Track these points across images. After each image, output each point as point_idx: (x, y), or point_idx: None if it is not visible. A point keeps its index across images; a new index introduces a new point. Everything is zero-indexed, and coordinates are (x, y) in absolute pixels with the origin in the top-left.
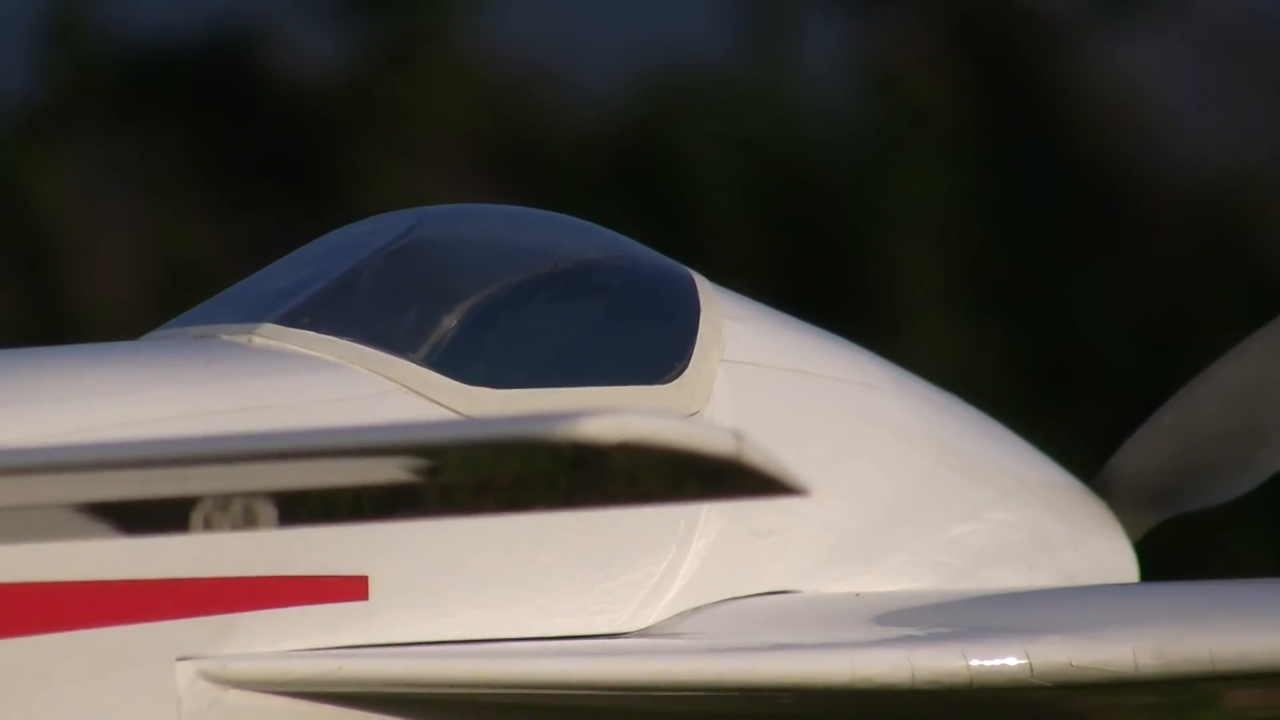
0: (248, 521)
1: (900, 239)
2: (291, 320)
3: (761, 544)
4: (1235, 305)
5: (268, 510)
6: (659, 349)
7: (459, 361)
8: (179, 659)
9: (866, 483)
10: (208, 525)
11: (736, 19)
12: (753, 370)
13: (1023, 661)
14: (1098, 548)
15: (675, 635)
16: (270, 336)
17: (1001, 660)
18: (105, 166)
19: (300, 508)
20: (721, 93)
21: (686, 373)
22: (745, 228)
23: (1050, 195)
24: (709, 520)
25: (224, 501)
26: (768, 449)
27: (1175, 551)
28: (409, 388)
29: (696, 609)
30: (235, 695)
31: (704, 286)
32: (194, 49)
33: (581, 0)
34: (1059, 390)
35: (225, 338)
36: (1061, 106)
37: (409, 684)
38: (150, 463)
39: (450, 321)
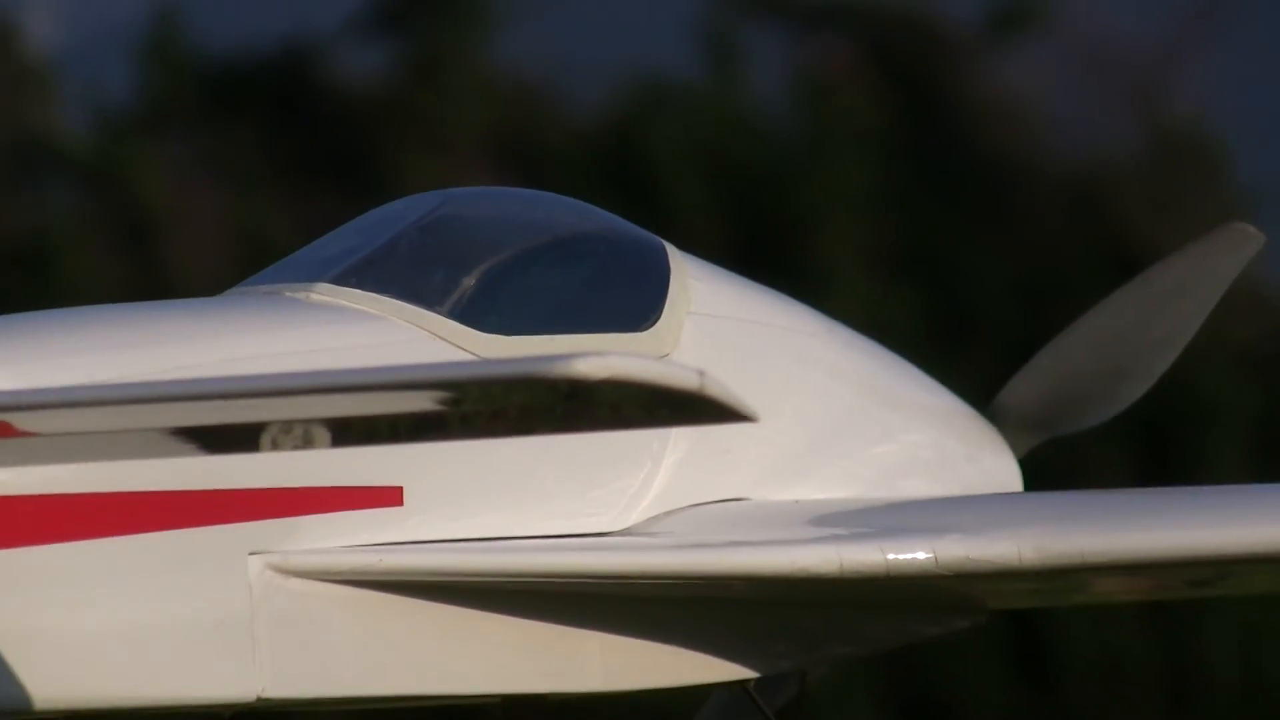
0: (306, 443)
1: (829, 217)
2: (342, 280)
3: (719, 461)
4: (1098, 269)
5: (322, 433)
6: (637, 303)
7: (476, 314)
8: (250, 553)
9: (804, 411)
10: (274, 445)
11: (698, 43)
12: (713, 320)
13: (929, 556)
14: (989, 464)
15: (650, 534)
16: (324, 294)
17: (912, 555)
18: (195, 159)
19: (347, 431)
20: (686, 101)
21: (659, 322)
22: (705, 207)
23: (949, 182)
24: (677, 442)
25: (287, 426)
26: (725, 384)
27: (1050, 467)
28: (436, 335)
29: (667, 513)
30: (295, 583)
31: (673, 253)
32: (266, 63)
33: (575, 26)
34: (957, 336)
35: (288, 294)
36: (959, 110)
37: (436, 573)
38: (227, 395)
39: (469, 281)
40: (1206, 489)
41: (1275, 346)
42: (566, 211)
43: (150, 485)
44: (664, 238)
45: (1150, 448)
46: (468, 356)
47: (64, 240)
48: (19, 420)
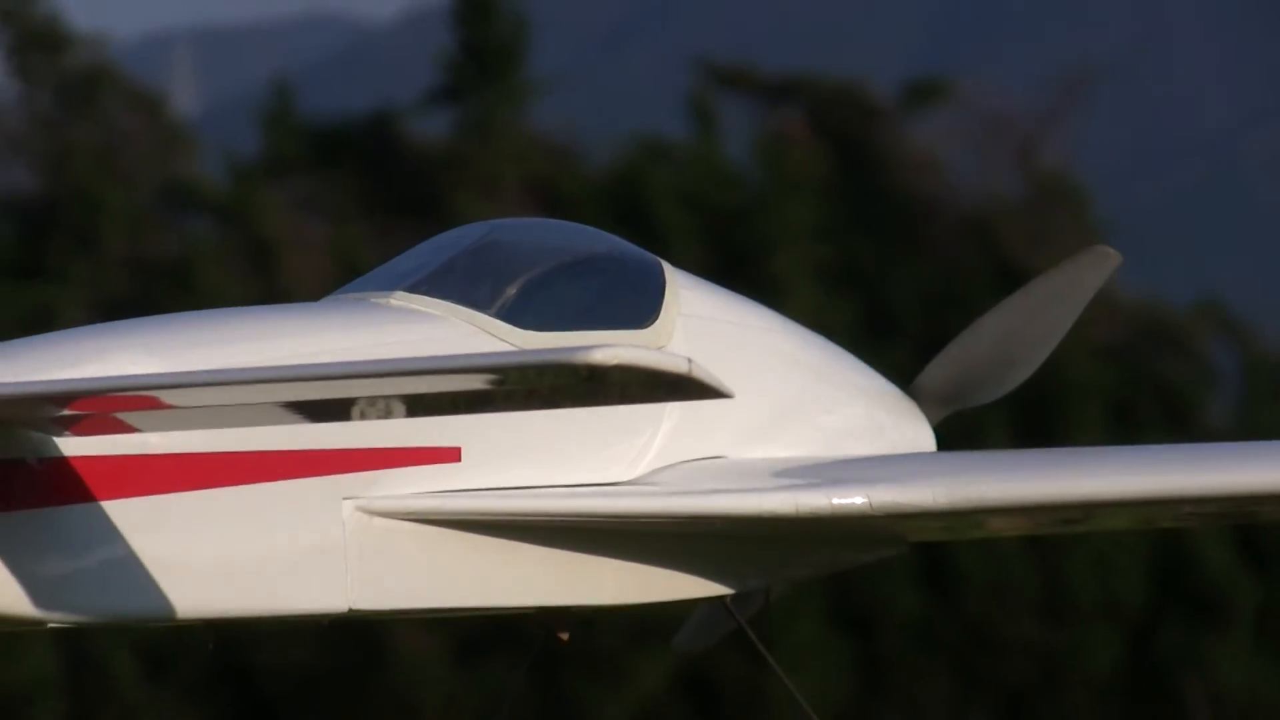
0: (386, 414)
1: (784, 243)
2: (413, 289)
3: (704, 428)
4: (989, 283)
5: (398, 406)
6: (640, 306)
7: (516, 314)
8: (344, 499)
9: (767, 390)
10: (362, 415)
11: (686, 112)
12: (698, 320)
13: (864, 500)
14: (910, 431)
15: (650, 484)
16: (400, 300)
17: (851, 500)
18: (304, 200)
19: (418, 404)
20: (676, 155)
21: (657, 322)
22: (691, 234)
23: (876, 217)
24: (671, 413)
25: (372, 401)
26: (707, 369)
27: (954, 434)
28: (485, 331)
29: (665, 467)
30: (379, 521)
31: (668, 268)
32: (358, 127)
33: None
34: (882, 333)
35: (373, 300)
36: (883, 162)
37: (485, 514)
38: (328, 377)
39: (511, 290)
40: (1073, 449)
41: (1125, 340)
42: (585, 236)
43: (266, 446)
44: (661, 257)
45: (1029, 418)
46: (509, 347)
47: (202, 262)
48: (165, 396)
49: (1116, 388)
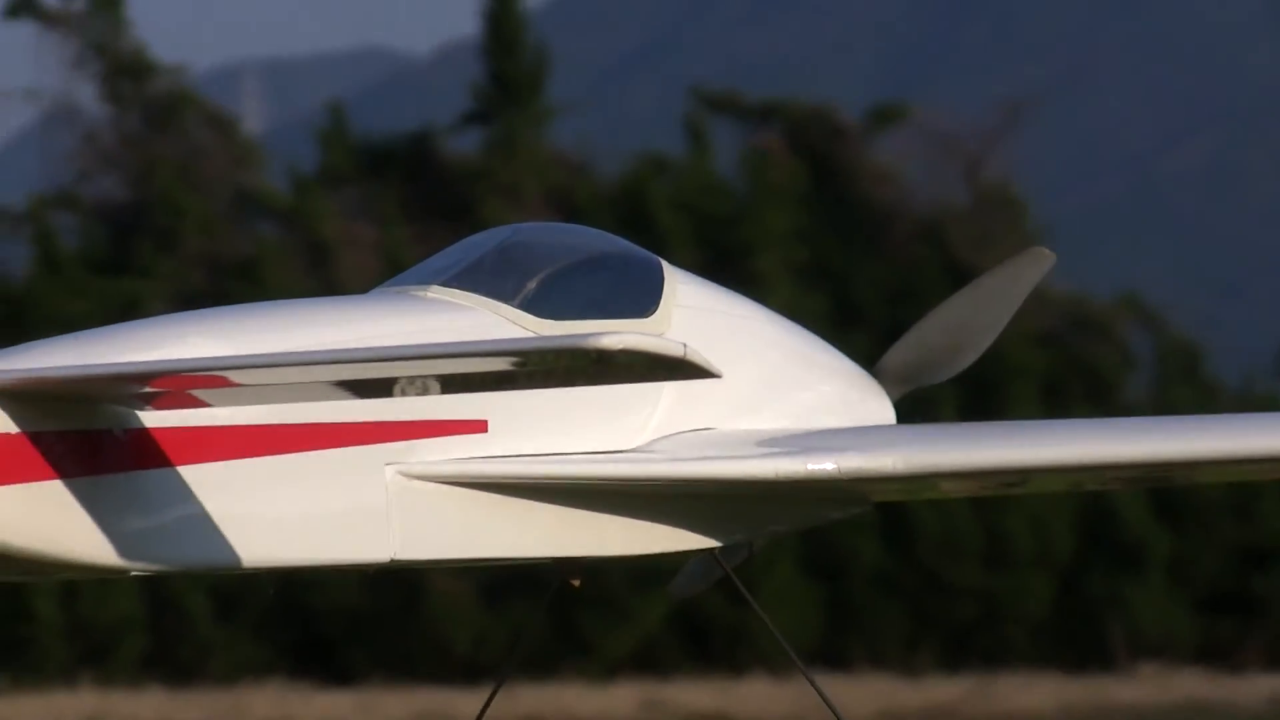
0: (424, 390)
1: (765, 244)
2: (447, 283)
3: (697, 403)
4: (941, 279)
5: (434, 385)
6: (642, 298)
7: (535, 305)
8: (386, 464)
9: (751, 371)
10: (402, 393)
11: (682, 132)
12: (693, 310)
13: (834, 466)
14: (874, 406)
15: (652, 451)
16: (436, 293)
17: (822, 466)
18: (356, 208)
19: (452, 383)
20: (673, 169)
21: (657, 312)
22: (686, 236)
23: (844, 222)
24: (670, 391)
25: (411, 380)
26: (700, 352)
27: (910, 409)
28: (510, 320)
29: (663, 437)
30: (417, 484)
31: (666, 266)
32: (402, 144)
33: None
34: (850, 321)
35: (412, 293)
36: (850, 175)
37: (508, 477)
38: (372, 359)
39: (531, 284)
40: (1012, 423)
41: (1056, 328)
42: (595, 238)
43: (319, 419)
44: (660, 256)
45: (974, 395)
46: (530, 334)
47: (268, 260)
48: (233, 376)
49: (1048, 369)
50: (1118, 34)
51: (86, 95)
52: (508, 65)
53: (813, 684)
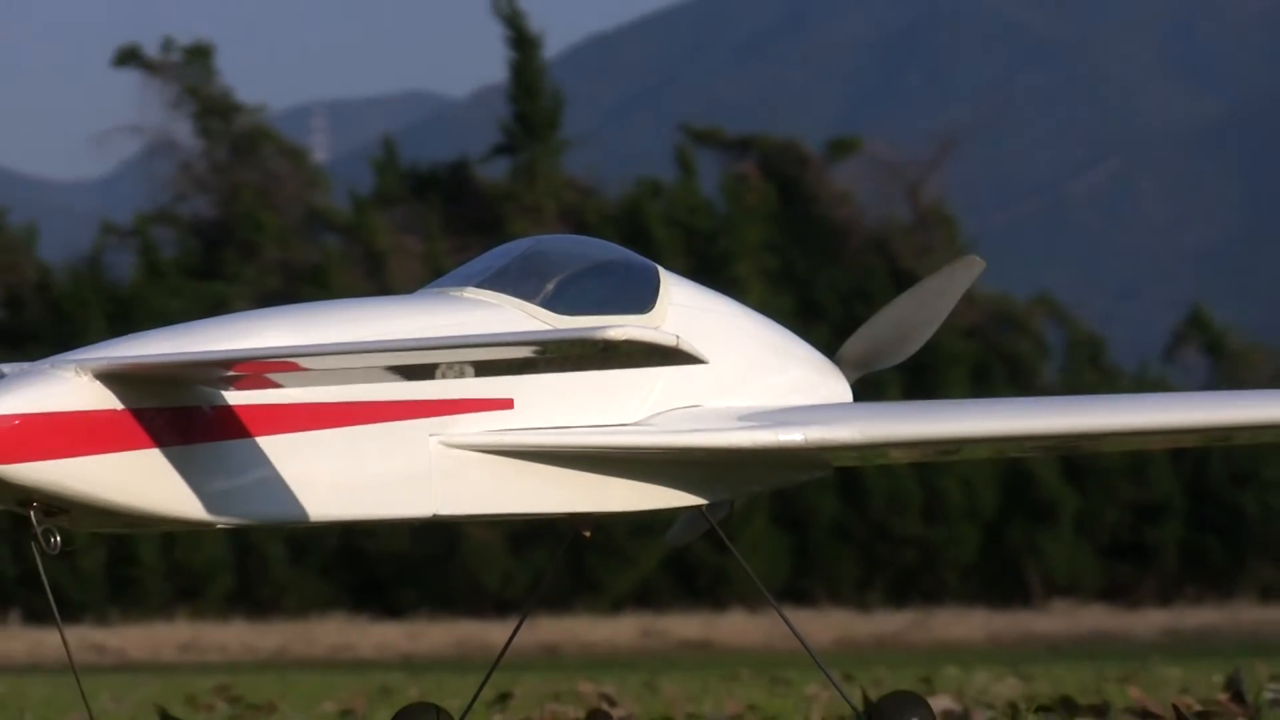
0: (460, 374)
1: (742, 254)
2: (480, 285)
3: (686, 384)
4: (888, 283)
5: (469, 369)
6: (641, 297)
7: (553, 303)
8: (430, 435)
9: (731, 357)
10: (443, 376)
11: (674, 160)
12: (683, 308)
13: (803, 437)
14: (835, 388)
15: (650, 424)
16: (470, 293)
17: (792, 436)
18: (404, 224)
19: (485, 367)
20: (666, 192)
21: (654, 309)
22: (676, 247)
23: (808, 235)
24: (665, 375)
25: (450, 365)
26: (690, 343)
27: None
28: (532, 316)
29: (659, 413)
30: (454, 451)
31: (662, 270)
32: (442, 171)
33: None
34: (814, 316)
35: (450, 293)
36: (813, 196)
37: (531, 446)
38: (417, 348)
39: (550, 286)
40: (946, 401)
41: (982, 323)
42: (602, 248)
43: (374, 398)
44: (656, 262)
45: (915, 379)
46: (548, 326)
47: (332, 267)
48: (302, 362)
49: (976, 357)
50: (1032, 81)
51: (182, 131)
52: (530, 107)
53: (782, 616)
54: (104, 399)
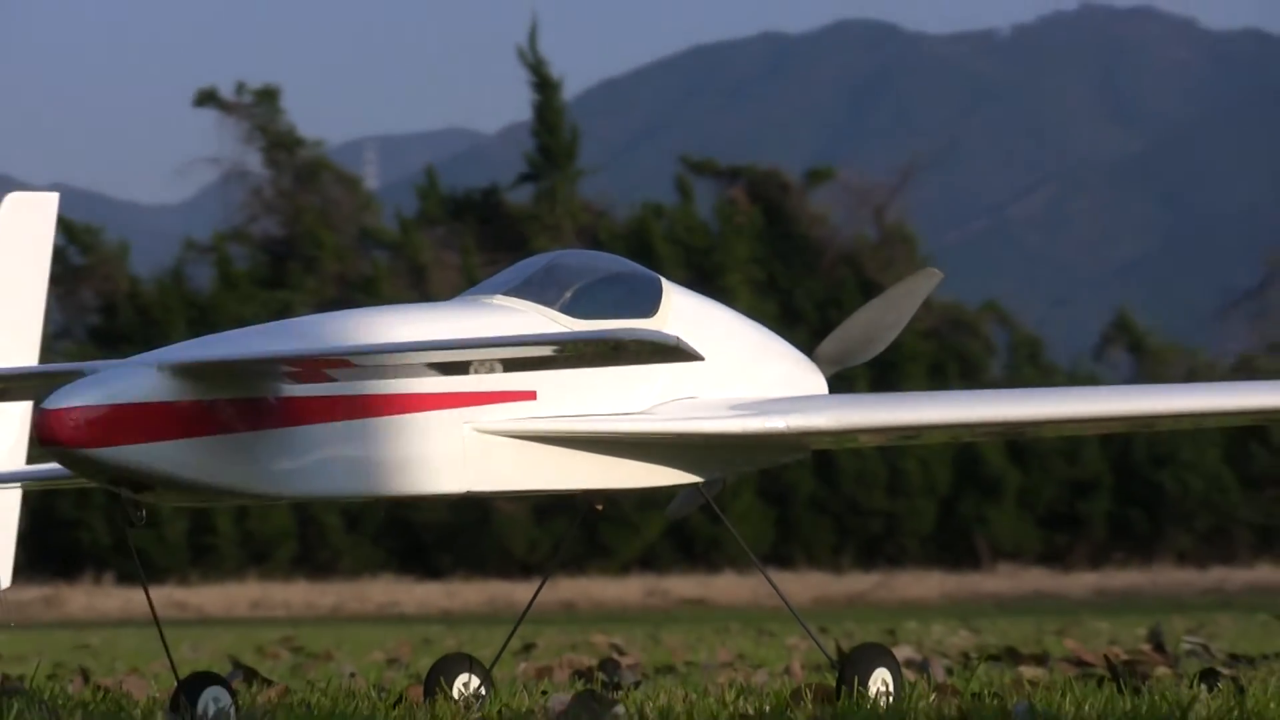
0: (491, 370)
1: (733, 267)
2: (508, 293)
3: (686, 378)
4: (858, 293)
5: (498, 366)
6: (646, 304)
7: (571, 309)
8: (464, 422)
9: (724, 355)
10: (476, 371)
11: (675, 187)
12: (683, 313)
13: (785, 425)
14: (813, 382)
15: (654, 413)
16: (499, 301)
17: (775, 424)
18: (443, 241)
19: (511, 364)
20: (668, 213)
21: (658, 313)
22: (677, 261)
23: (789, 252)
24: (668, 370)
25: (482, 362)
26: (688, 342)
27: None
28: (552, 320)
29: (661, 403)
30: (486, 436)
31: (665, 280)
32: (476, 196)
33: (615, 179)
34: (794, 320)
35: (483, 300)
36: (794, 217)
37: (551, 432)
38: (454, 347)
39: (568, 293)
40: (908, 393)
41: (938, 326)
42: (613, 261)
43: (417, 390)
44: (659, 274)
45: (881, 373)
46: (566, 328)
47: (382, 279)
48: (354, 359)
49: (933, 355)
50: (981, 119)
51: (253, 161)
52: (550, 141)
53: (767, 578)
54: (182, 391)
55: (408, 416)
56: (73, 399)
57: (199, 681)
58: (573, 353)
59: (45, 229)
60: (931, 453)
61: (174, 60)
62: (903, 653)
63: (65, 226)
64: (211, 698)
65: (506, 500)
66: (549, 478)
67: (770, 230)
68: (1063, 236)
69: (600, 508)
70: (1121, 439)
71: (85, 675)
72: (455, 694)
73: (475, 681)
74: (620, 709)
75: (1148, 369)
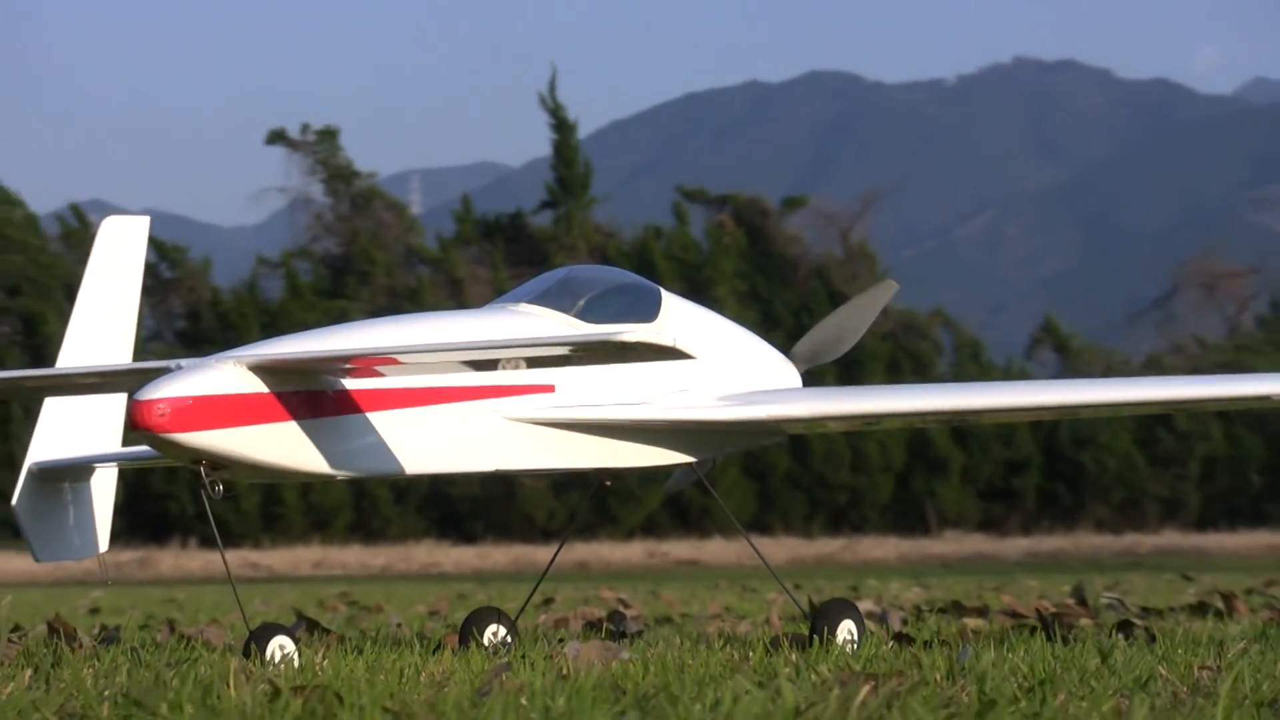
0: (516, 366)
1: (721, 280)
2: (531, 302)
3: (683, 374)
4: (827, 302)
5: (523, 363)
6: (648, 310)
7: (584, 315)
8: (494, 411)
9: (713, 355)
10: (503, 367)
11: (672, 213)
12: (678, 318)
13: (766, 414)
14: (789, 377)
15: (654, 403)
16: (523, 309)
17: (757, 413)
18: (476, 258)
19: (532, 362)
20: (666, 235)
21: (657, 319)
22: (674, 275)
23: (768, 268)
24: (669, 369)
25: (508, 360)
26: (683, 344)
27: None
28: (568, 324)
29: (660, 395)
30: (511, 423)
31: (663, 290)
32: (504, 220)
33: (620, 208)
34: (772, 325)
35: (509, 308)
36: (773, 238)
37: (566, 419)
38: (484, 347)
39: (581, 302)
40: (871, 386)
41: (894, 329)
42: (619, 274)
43: (454, 384)
44: (659, 285)
45: (845, 370)
46: (580, 331)
47: (425, 290)
48: (400, 357)
49: (890, 354)
50: (931, 154)
51: (315, 190)
52: (567, 173)
53: (749, 542)
54: (254, 384)
55: (445, 406)
56: (160, 391)
57: (267, 631)
58: (585, 352)
59: (138, 248)
60: (889, 436)
61: (249, 102)
62: (865, 605)
63: (156, 246)
64: (278, 644)
65: (529, 477)
66: (565, 457)
67: (752, 249)
68: (999, 254)
69: (609, 483)
70: (1049, 425)
71: (171, 626)
72: (485, 641)
73: (503, 631)
74: (626, 654)
75: (1071, 367)
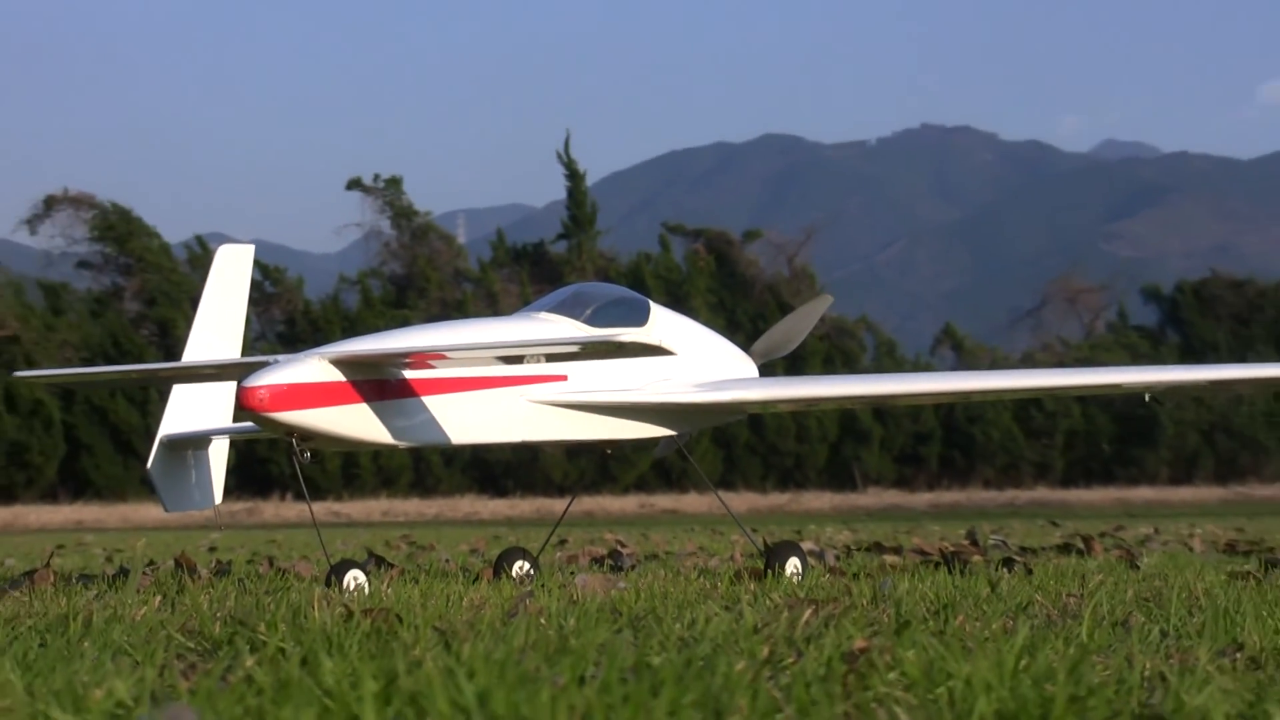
0: (537, 360)
1: (696, 294)
2: (550, 311)
3: (667, 367)
4: (777, 311)
5: (543, 358)
6: (640, 317)
7: (591, 321)
8: (520, 395)
9: (690, 352)
10: (527, 361)
11: (659, 244)
12: (664, 323)
13: (731, 398)
14: (749, 370)
15: (645, 390)
16: (543, 315)
17: (724, 397)
18: (508, 277)
19: (550, 357)
20: (654, 260)
21: (647, 324)
22: (660, 291)
23: (732, 285)
24: (656, 363)
25: (532, 355)
26: (667, 343)
27: (763, 371)
28: (579, 328)
29: (649, 384)
30: (535, 404)
31: (651, 302)
32: (529, 248)
33: (619, 239)
34: (735, 329)
35: (533, 315)
36: (737, 262)
37: (577, 402)
38: (513, 345)
39: (589, 310)
40: (812, 376)
41: (829, 332)
42: (618, 289)
43: (489, 373)
44: (649, 298)
45: (792, 364)
46: (586, 333)
47: (468, 303)
48: (448, 353)
49: (826, 351)
50: (857, 197)
51: (384, 225)
52: (578, 211)
53: (717, 496)
54: (334, 374)
55: (483, 391)
56: (262, 380)
57: (344, 566)
58: (591, 350)
59: (246, 269)
60: (825, 414)
61: (334, 154)
62: (806, 545)
63: (260, 267)
64: (352, 576)
65: (549, 446)
66: (575, 431)
67: (720, 271)
68: (910, 275)
69: (610, 450)
70: (948, 406)
71: (271, 561)
72: (514, 573)
73: (527, 565)
74: (622, 584)
75: (965, 362)
